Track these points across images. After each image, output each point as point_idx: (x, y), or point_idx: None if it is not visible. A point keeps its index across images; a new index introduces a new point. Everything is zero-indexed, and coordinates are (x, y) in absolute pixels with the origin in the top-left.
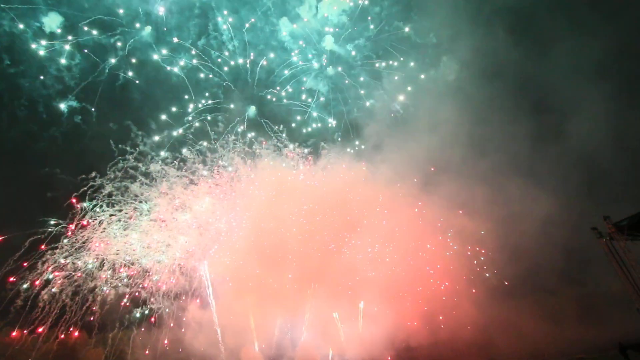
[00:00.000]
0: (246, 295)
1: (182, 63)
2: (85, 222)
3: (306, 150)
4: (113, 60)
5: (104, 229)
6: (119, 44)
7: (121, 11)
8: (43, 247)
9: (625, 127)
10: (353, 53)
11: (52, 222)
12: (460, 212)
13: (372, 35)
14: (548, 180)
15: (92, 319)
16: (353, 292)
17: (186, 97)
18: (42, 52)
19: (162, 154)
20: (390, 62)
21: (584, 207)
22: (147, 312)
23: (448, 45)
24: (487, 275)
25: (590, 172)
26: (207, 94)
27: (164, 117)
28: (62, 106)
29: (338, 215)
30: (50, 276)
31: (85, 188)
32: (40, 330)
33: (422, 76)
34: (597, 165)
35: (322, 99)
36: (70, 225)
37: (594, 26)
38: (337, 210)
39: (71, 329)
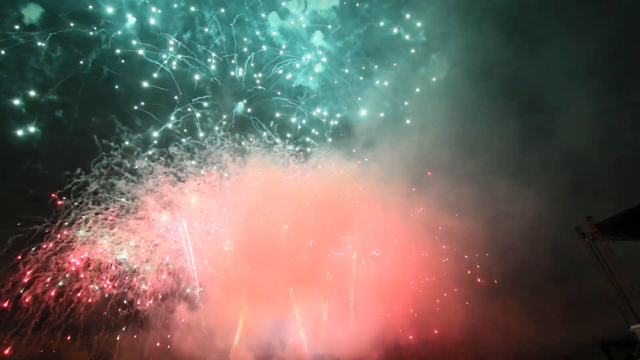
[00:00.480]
0: (235, 295)
1: (167, 57)
2: (65, 231)
3: (296, 148)
4: (96, 54)
5: (90, 227)
6: (102, 36)
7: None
8: (25, 247)
9: (612, 127)
10: (348, 64)
11: (35, 220)
12: (448, 212)
13: (363, 32)
14: (535, 180)
15: (75, 321)
16: (343, 292)
17: (172, 92)
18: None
19: (148, 150)
20: (380, 60)
21: (570, 207)
22: (133, 314)
23: (438, 44)
24: (476, 276)
25: (577, 172)
26: (194, 90)
27: (149, 112)
28: (43, 100)
29: (328, 215)
30: (31, 278)
31: (70, 185)
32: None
33: (434, 79)
34: (583, 165)
35: (313, 95)
36: (50, 229)
37: (583, 25)
38: (327, 209)
39: (55, 332)
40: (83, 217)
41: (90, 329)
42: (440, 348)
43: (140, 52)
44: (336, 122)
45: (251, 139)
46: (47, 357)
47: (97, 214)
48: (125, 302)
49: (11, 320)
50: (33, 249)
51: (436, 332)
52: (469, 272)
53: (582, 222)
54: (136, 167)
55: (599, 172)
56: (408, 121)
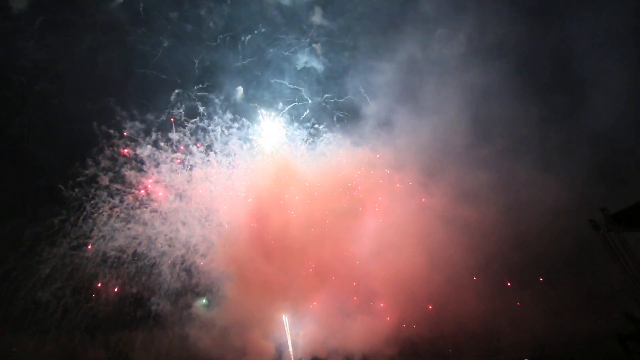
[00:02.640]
0: (251, 289)
1: (160, 41)
2: (81, 226)
3: (304, 134)
4: (87, 39)
5: (105, 222)
6: (94, 21)
7: None
8: (43, 243)
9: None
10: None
11: (52, 214)
12: (464, 200)
13: (367, 9)
14: (555, 167)
15: (93, 319)
16: (356, 285)
17: (168, 77)
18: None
19: (151, 136)
20: (388, 38)
21: (593, 195)
22: (149, 311)
23: (452, 18)
24: (492, 268)
25: (602, 157)
26: (189, 74)
27: (146, 100)
28: (37, 88)
29: (339, 203)
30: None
31: (81, 178)
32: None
33: (448, 57)
34: (609, 150)
35: (316, 77)
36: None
37: None
38: (337, 197)
39: (74, 331)
40: (99, 210)
41: (107, 327)
42: (455, 342)
43: (132, 36)
44: (342, 106)
45: (255, 125)
46: (65, 356)
47: (112, 208)
48: (141, 298)
49: (31, 319)
50: (50, 244)
51: (444, 316)
52: (485, 263)
53: (596, 214)
54: (142, 155)
55: (627, 157)
56: (420, 103)
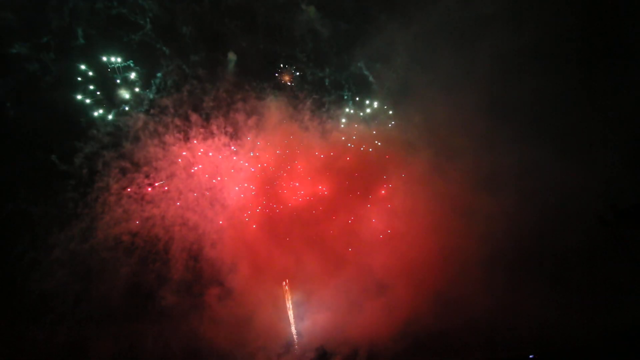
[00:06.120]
0: (261, 277)
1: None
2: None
3: (307, 105)
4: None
5: (116, 202)
6: None
7: None
8: (55, 228)
9: None
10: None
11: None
12: (477, 187)
13: None
14: (582, 149)
15: (103, 308)
16: (367, 274)
17: (155, 43)
18: None
19: (144, 106)
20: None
21: (611, 189)
22: (159, 302)
23: None
24: (499, 259)
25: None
26: (177, 38)
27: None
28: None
29: (347, 185)
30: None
31: (83, 154)
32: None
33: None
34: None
35: (318, 45)
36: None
37: None
38: (349, 176)
39: (82, 322)
40: (110, 191)
41: (117, 318)
42: (462, 337)
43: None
44: (351, 77)
45: (257, 95)
46: (71, 348)
47: (124, 189)
48: (152, 288)
49: (35, 309)
50: (59, 228)
51: (450, 310)
52: (491, 253)
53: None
54: (137, 127)
55: None
56: (435, 73)
